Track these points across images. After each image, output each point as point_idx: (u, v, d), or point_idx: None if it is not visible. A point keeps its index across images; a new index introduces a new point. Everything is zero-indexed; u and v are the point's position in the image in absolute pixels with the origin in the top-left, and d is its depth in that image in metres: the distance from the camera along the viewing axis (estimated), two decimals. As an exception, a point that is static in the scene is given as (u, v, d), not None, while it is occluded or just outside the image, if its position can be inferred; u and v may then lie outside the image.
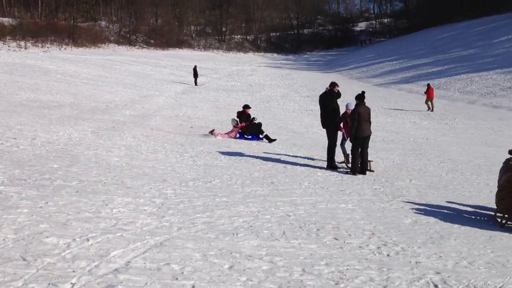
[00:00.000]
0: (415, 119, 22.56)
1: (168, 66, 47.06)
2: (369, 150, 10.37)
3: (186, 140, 12.85)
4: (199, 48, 74.35)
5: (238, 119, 14.51)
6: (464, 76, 37.30)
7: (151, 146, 11.42)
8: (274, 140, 13.95)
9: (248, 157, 10.97)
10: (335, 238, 5.76)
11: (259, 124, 14.48)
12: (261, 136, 14.16)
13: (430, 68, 43.63)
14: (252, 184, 8.35)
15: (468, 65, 40.44)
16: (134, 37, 66.69)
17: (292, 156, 11.67)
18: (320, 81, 38.80)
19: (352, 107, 10.47)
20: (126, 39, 64.41)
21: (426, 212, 7.37)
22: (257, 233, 5.71)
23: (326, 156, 10.73)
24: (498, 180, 7.80)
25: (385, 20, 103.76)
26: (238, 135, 14.11)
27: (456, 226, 6.77)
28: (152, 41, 67.37)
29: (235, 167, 9.82)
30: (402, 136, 17.19)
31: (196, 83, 33.97)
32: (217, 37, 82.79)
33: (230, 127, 14.62)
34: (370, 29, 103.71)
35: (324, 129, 10.75)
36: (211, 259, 4.72)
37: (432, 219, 7.00)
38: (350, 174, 10.07)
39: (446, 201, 8.26)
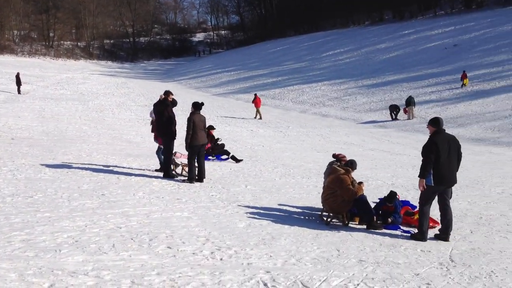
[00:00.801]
0: (252, 128, 23.46)
1: (-13, 73, 42.43)
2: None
3: (5, 153, 11.55)
4: (23, 54, 68.26)
5: None
6: (296, 87, 40.07)
7: (-39, 160, 10.07)
8: (241, 160, 13.47)
9: (76, 169, 10.21)
10: (169, 247, 5.59)
11: (223, 145, 14.03)
12: (226, 156, 13.63)
13: (265, 79, 45.99)
14: (80, 197, 7.78)
15: (300, 77, 43.57)
16: None
17: (126, 167, 11.17)
18: (158, 90, 38.20)
19: (153, 115, 10.68)
20: None
21: (259, 215, 7.58)
22: (83, 248, 5.30)
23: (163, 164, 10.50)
24: (323, 182, 8.37)
25: (222, 32, 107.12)
26: None
27: (286, 226, 7.05)
28: (-33, 46, 60.26)
29: (62, 180, 9.08)
30: (239, 144, 17.69)
31: (19, 92, 31.08)
32: (44, 43, 76.71)
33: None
34: (208, 40, 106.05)
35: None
36: (28, 278, 4.33)
37: (264, 222, 7.21)
38: (187, 182, 9.98)
39: (278, 204, 8.61)
